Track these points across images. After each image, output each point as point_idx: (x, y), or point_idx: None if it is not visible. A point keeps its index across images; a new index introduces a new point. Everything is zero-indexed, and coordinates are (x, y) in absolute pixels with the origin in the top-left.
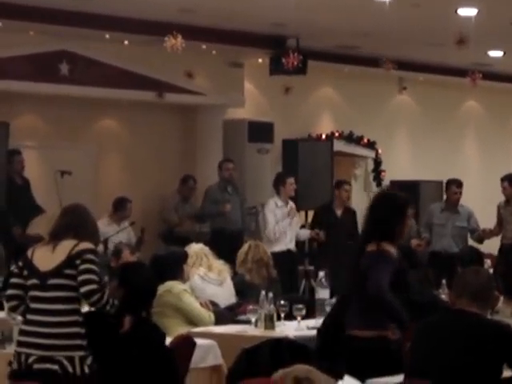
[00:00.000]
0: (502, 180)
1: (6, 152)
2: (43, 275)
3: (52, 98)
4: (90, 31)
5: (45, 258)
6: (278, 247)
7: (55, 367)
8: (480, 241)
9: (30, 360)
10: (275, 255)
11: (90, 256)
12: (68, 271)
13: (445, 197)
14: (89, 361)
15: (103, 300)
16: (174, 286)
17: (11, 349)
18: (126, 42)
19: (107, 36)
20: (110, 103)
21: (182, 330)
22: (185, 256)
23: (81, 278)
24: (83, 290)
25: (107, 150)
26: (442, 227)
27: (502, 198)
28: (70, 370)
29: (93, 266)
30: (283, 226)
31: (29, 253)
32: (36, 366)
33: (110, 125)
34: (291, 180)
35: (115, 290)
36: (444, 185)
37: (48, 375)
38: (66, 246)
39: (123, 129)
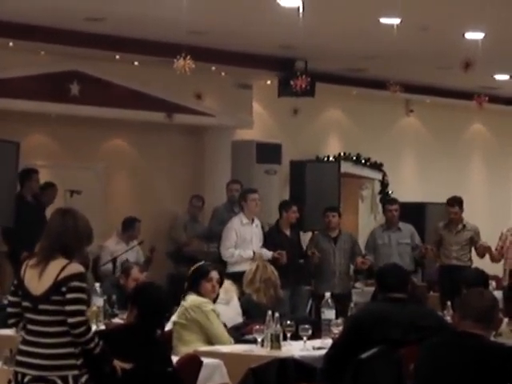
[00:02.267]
0: (452, 204)
1: (16, 171)
2: (34, 299)
3: (62, 118)
4: (101, 52)
5: (34, 280)
6: (243, 266)
7: None
8: (422, 257)
9: (26, 379)
10: (237, 275)
11: (76, 284)
12: (55, 297)
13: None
14: (83, 379)
15: (89, 334)
16: (203, 303)
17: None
18: (136, 63)
19: (117, 57)
20: (120, 123)
21: (199, 346)
22: (205, 271)
23: (68, 308)
24: (70, 320)
25: (116, 170)
26: (387, 247)
27: (508, 221)
28: None
29: (80, 295)
30: (245, 246)
31: (22, 271)
32: None
33: (120, 145)
34: (253, 196)
35: (129, 312)
36: None
37: None
38: (53, 269)
39: (132, 149)
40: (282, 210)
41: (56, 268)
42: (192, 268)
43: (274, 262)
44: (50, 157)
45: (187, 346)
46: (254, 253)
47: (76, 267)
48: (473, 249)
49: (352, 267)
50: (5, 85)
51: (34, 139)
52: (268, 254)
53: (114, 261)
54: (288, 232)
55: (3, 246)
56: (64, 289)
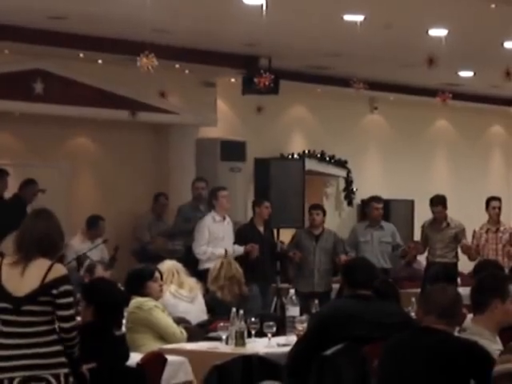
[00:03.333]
0: (435, 204)
1: None
2: (16, 300)
3: (26, 117)
4: (65, 50)
5: (15, 280)
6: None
7: None
8: (403, 257)
9: (15, 383)
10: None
11: (67, 287)
12: (43, 298)
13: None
14: (71, 378)
15: (77, 338)
16: (143, 302)
17: None
18: (100, 61)
19: (81, 55)
20: (84, 122)
21: (154, 345)
22: (149, 272)
23: (61, 313)
24: (64, 325)
25: (80, 169)
26: (368, 244)
27: (476, 217)
28: None
29: (71, 299)
30: (216, 244)
31: None
32: None
33: (84, 143)
34: (223, 193)
35: (84, 309)
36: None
37: None
38: (37, 270)
39: (97, 147)
40: (254, 207)
41: (40, 268)
42: (131, 271)
43: (246, 255)
44: (14, 156)
45: (142, 348)
46: (225, 251)
47: (62, 269)
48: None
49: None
50: None
51: None
52: (240, 249)
53: (78, 259)
54: (261, 228)
55: None
56: (55, 291)
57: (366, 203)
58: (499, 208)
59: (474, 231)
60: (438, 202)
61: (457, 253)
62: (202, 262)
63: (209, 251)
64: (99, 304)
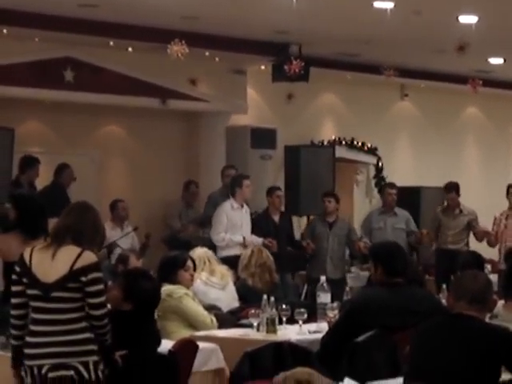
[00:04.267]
0: (449, 190)
1: (11, 158)
2: (45, 287)
3: (56, 105)
4: (95, 38)
5: (44, 266)
6: (233, 251)
7: (70, 373)
8: (417, 243)
9: (44, 370)
10: (227, 259)
11: (96, 275)
12: (72, 285)
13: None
14: (101, 366)
15: (109, 325)
16: (174, 290)
17: None
18: (130, 49)
19: (111, 43)
20: (114, 110)
21: (184, 333)
22: (181, 261)
23: (92, 301)
24: (95, 313)
25: (111, 156)
26: (382, 231)
27: (503, 204)
28: (86, 375)
29: (101, 286)
30: (235, 231)
31: (26, 257)
32: (50, 374)
33: (114, 131)
34: (247, 182)
35: (118, 300)
36: None
37: (64, 382)
38: (66, 256)
39: (127, 135)
40: (267, 196)
41: (69, 255)
42: (164, 258)
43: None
44: (45, 143)
45: (172, 336)
46: (243, 238)
47: (92, 256)
48: (471, 233)
49: (347, 252)
50: None
51: (29, 126)
52: (259, 240)
53: (109, 246)
54: (277, 218)
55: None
56: (83, 279)
57: (381, 190)
58: None
59: (495, 217)
60: (452, 188)
61: (468, 241)
62: (220, 249)
63: (227, 238)
64: (141, 301)
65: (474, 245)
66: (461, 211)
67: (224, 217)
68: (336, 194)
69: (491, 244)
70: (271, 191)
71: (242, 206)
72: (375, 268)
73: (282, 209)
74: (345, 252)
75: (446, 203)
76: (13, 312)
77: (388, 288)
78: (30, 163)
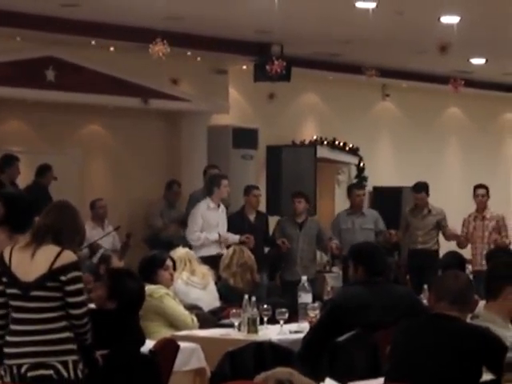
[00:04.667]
0: (418, 191)
1: None
2: (24, 286)
3: (38, 104)
4: (76, 37)
5: (24, 265)
6: (209, 251)
7: (50, 372)
8: (386, 243)
9: (23, 369)
10: (204, 259)
11: (76, 274)
12: (51, 284)
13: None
14: (81, 365)
15: (89, 324)
16: (154, 290)
17: None
18: (112, 49)
19: (93, 42)
20: (96, 109)
21: (165, 333)
22: (160, 260)
23: (71, 300)
24: (74, 312)
25: (92, 156)
26: (350, 231)
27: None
28: (65, 374)
29: (81, 285)
30: (210, 230)
31: (5, 256)
32: (30, 373)
33: (96, 130)
34: (226, 182)
35: (102, 298)
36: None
37: (43, 381)
38: (46, 255)
39: (108, 134)
40: (244, 195)
41: (49, 254)
42: (143, 258)
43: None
44: (26, 143)
45: (153, 336)
46: (219, 234)
47: (71, 255)
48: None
49: (328, 252)
50: None
51: (10, 125)
52: (235, 237)
53: (91, 246)
54: (252, 218)
55: None
56: (63, 278)
57: (347, 190)
58: (483, 196)
59: (464, 219)
60: (421, 188)
61: (438, 240)
62: (197, 249)
63: (202, 237)
64: (125, 300)
65: (445, 244)
66: (429, 211)
67: (199, 216)
68: (306, 194)
69: (461, 246)
70: (248, 190)
71: (219, 206)
72: (355, 268)
73: (259, 208)
74: (315, 252)
75: (414, 203)
76: None
77: (369, 286)
78: (8, 162)
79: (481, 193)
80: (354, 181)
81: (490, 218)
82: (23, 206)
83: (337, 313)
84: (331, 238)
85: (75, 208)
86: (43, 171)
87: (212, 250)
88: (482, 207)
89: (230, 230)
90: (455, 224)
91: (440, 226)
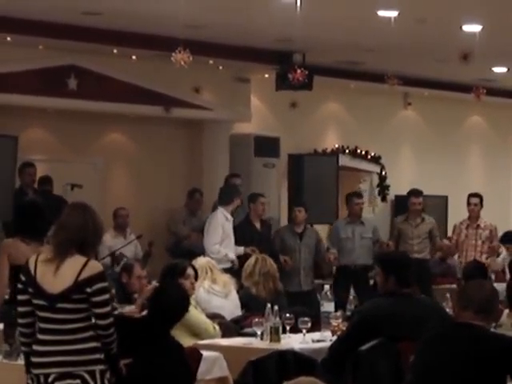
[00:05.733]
0: (417, 195)
1: (14, 166)
2: (51, 298)
3: (60, 112)
4: (99, 46)
5: (49, 277)
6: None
7: (77, 382)
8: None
9: (50, 379)
10: None
11: (102, 285)
12: (77, 296)
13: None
14: (108, 375)
15: (115, 335)
16: None
17: (22, 361)
18: (134, 57)
19: (115, 51)
20: (118, 117)
21: (188, 342)
22: (181, 269)
23: (98, 311)
24: (101, 323)
25: (115, 164)
26: (351, 240)
27: (506, 213)
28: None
29: (107, 296)
30: (228, 243)
31: (31, 267)
32: (57, 383)
33: (118, 139)
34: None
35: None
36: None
37: None
38: (72, 267)
39: (131, 143)
40: (249, 203)
41: (75, 266)
42: (165, 267)
43: (245, 257)
44: (48, 151)
45: None
46: (233, 261)
47: (97, 266)
48: None
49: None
50: (3, 79)
51: (32, 134)
52: (240, 249)
53: (112, 255)
54: (258, 226)
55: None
56: (89, 290)
57: (346, 199)
58: (475, 204)
59: (455, 225)
60: (419, 193)
61: (431, 248)
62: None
63: (222, 252)
64: (156, 310)
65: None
66: (422, 219)
67: (220, 228)
68: (305, 203)
69: (451, 254)
70: (255, 198)
71: (232, 216)
72: (386, 277)
73: (264, 217)
74: (313, 262)
75: (408, 211)
76: (20, 320)
77: (398, 298)
78: (20, 169)
79: (474, 201)
80: (376, 189)
81: (484, 228)
82: (33, 213)
83: (365, 325)
84: (328, 248)
85: (91, 208)
86: (49, 182)
87: (223, 265)
88: (474, 216)
89: (237, 239)
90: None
91: (431, 235)
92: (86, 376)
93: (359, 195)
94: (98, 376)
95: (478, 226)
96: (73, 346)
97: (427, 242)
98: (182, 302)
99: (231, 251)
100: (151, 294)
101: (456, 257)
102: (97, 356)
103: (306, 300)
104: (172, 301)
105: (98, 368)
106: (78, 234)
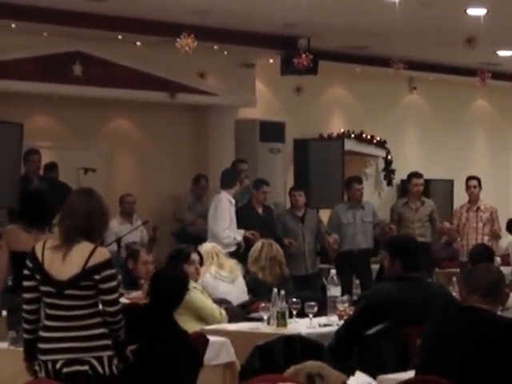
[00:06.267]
0: (419, 176)
1: (20, 153)
2: (59, 284)
3: (65, 99)
4: (103, 32)
5: (57, 264)
6: (229, 248)
7: (85, 368)
8: (382, 235)
9: (58, 365)
10: None
11: (109, 272)
12: (85, 283)
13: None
14: (115, 361)
15: (122, 321)
16: None
17: None
18: (139, 43)
19: (120, 37)
20: (123, 103)
21: (194, 327)
22: (185, 254)
23: (105, 298)
24: (109, 309)
25: (120, 150)
26: (352, 225)
27: (511, 196)
28: (100, 370)
29: (114, 283)
30: (233, 226)
31: (38, 253)
32: (65, 369)
33: (123, 125)
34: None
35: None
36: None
37: (78, 377)
38: (80, 254)
39: (136, 129)
40: (253, 188)
41: (83, 253)
42: (170, 252)
43: (246, 241)
44: (54, 138)
45: None
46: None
47: (104, 253)
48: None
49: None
50: (8, 66)
51: (38, 120)
52: (239, 232)
53: (118, 241)
54: (260, 211)
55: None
56: (97, 277)
57: (346, 184)
58: (475, 187)
59: (455, 210)
60: (420, 175)
61: (432, 231)
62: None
63: (232, 236)
64: (157, 296)
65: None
66: (422, 203)
67: (227, 213)
68: (305, 188)
69: (451, 239)
70: (258, 185)
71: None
72: (392, 262)
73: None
74: (316, 245)
75: (409, 194)
76: (25, 307)
77: (405, 283)
78: (24, 156)
79: (473, 184)
80: (382, 174)
81: (485, 210)
82: (36, 200)
83: (372, 309)
84: (327, 231)
85: (97, 194)
86: (54, 168)
87: (233, 247)
88: (474, 199)
89: (239, 222)
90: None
91: (431, 217)
92: (94, 362)
93: (360, 180)
94: (105, 362)
95: (478, 208)
96: (80, 333)
97: (428, 226)
98: (179, 284)
99: (238, 234)
100: (150, 279)
101: (458, 240)
102: (105, 342)
103: (313, 283)
104: (169, 284)
105: (105, 354)
106: (85, 220)
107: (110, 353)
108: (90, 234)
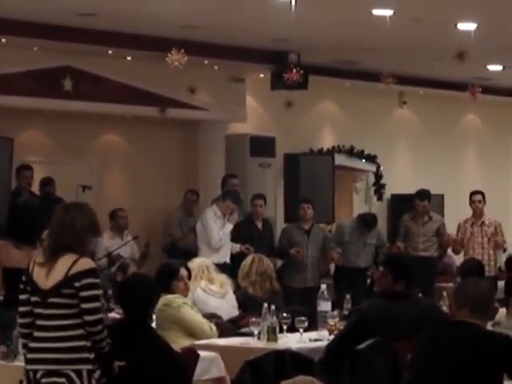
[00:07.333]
0: (422, 198)
1: (10, 168)
2: (43, 293)
3: (55, 114)
4: (93, 47)
5: (43, 274)
6: (216, 258)
7: (62, 380)
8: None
9: (38, 375)
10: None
11: (90, 280)
12: (66, 291)
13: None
14: (96, 375)
15: (104, 332)
16: (172, 300)
17: (19, 362)
18: (129, 58)
19: (110, 52)
20: (113, 118)
21: (184, 342)
22: (174, 271)
23: (85, 306)
24: (88, 318)
25: (110, 165)
26: (354, 245)
27: (502, 210)
28: (78, 383)
29: (95, 292)
30: (224, 235)
31: (30, 267)
32: (44, 380)
33: (113, 140)
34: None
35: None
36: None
37: None
38: (63, 263)
39: (126, 144)
40: (250, 203)
41: (66, 263)
42: (158, 268)
43: (241, 255)
44: (44, 152)
45: (172, 346)
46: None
47: (87, 262)
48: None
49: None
50: None
51: (28, 135)
52: (235, 246)
53: (109, 256)
54: (260, 225)
55: None
56: (77, 284)
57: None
58: (480, 201)
59: (459, 224)
60: (426, 196)
61: (437, 247)
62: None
63: (221, 234)
64: (125, 302)
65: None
66: (430, 218)
67: (211, 221)
68: (312, 200)
69: (456, 251)
70: (252, 199)
71: (224, 216)
72: (394, 280)
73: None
74: (320, 259)
75: (415, 210)
76: (19, 320)
77: (398, 299)
78: (17, 172)
79: (477, 199)
80: (372, 188)
81: (489, 224)
82: (25, 216)
83: (363, 324)
84: (332, 246)
85: (83, 205)
86: (51, 183)
87: (221, 258)
88: (478, 213)
89: (238, 236)
90: None
91: (439, 233)
92: (72, 375)
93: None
94: (85, 375)
95: (483, 223)
96: (61, 344)
97: (434, 241)
98: (145, 290)
99: (233, 248)
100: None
101: (462, 254)
102: (85, 355)
103: (311, 296)
104: (135, 291)
105: (85, 367)
106: (59, 236)
107: (90, 366)
108: (75, 248)
